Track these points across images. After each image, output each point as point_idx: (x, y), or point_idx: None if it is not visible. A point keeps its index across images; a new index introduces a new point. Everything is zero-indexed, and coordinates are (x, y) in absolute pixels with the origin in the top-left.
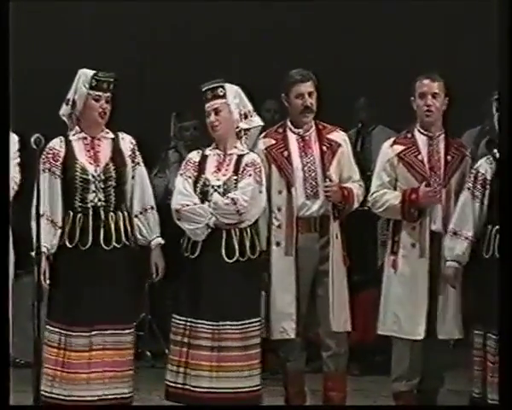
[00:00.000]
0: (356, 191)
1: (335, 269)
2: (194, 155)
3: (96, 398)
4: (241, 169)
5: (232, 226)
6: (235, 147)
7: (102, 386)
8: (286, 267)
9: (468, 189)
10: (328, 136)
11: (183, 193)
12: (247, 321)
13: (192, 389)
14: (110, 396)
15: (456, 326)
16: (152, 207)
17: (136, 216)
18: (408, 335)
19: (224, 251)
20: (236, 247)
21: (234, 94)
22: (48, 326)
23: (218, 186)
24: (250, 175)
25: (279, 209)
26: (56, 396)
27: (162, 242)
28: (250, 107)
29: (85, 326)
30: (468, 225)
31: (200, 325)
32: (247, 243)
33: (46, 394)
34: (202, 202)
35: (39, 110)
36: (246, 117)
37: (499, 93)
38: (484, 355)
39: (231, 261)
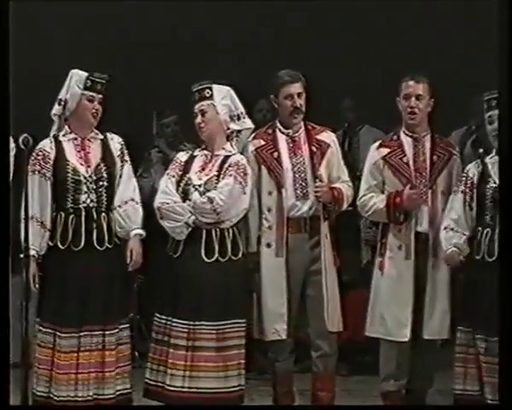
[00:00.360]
0: (345, 192)
1: (327, 269)
2: (182, 155)
3: (88, 398)
4: (224, 169)
5: (212, 226)
6: (223, 148)
7: (93, 386)
8: (277, 268)
9: (462, 192)
10: (318, 136)
11: (165, 192)
12: (224, 322)
13: (167, 387)
14: (102, 396)
15: (443, 326)
16: (132, 200)
17: (115, 209)
18: (394, 336)
19: (203, 251)
20: (216, 247)
21: (223, 95)
22: (41, 327)
23: (199, 185)
24: (231, 175)
25: (269, 210)
26: (53, 397)
27: (142, 233)
28: (242, 109)
29: (75, 327)
30: (463, 226)
31: (177, 325)
32: (229, 244)
33: (43, 394)
34: (184, 201)
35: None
36: (238, 118)
37: (499, 93)
38: (467, 351)
39: (210, 261)
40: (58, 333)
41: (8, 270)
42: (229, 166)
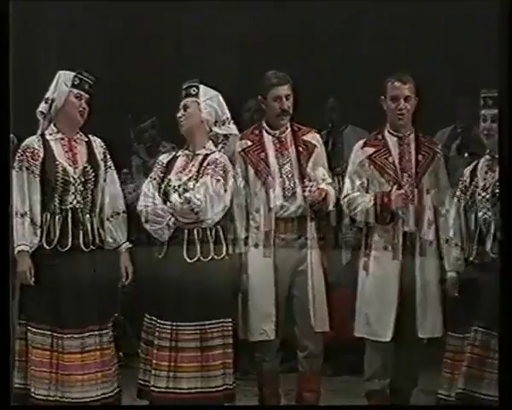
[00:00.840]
0: (331, 192)
1: (314, 269)
2: (164, 157)
3: (89, 399)
4: (203, 168)
5: (193, 226)
6: (204, 147)
7: (95, 387)
8: (264, 269)
9: (456, 197)
10: (304, 137)
11: (146, 195)
12: (207, 322)
13: (152, 388)
14: (101, 396)
15: (436, 325)
16: (124, 211)
17: (108, 219)
18: (378, 337)
19: (185, 251)
20: (198, 247)
21: (209, 96)
22: (32, 328)
23: (179, 186)
24: (208, 174)
25: (257, 211)
26: (53, 398)
27: (130, 246)
28: (228, 114)
29: (78, 328)
30: (457, 234)
31: (161, 325)
32: (211, 243)
33: (43, 397)
34: (165, 202)
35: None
36: (223, 123)
37: (499, 93)
38: (453, 358)
39: (192, 261)
40: (57, 334)
41: (9, 269)
42: (208, 164)
